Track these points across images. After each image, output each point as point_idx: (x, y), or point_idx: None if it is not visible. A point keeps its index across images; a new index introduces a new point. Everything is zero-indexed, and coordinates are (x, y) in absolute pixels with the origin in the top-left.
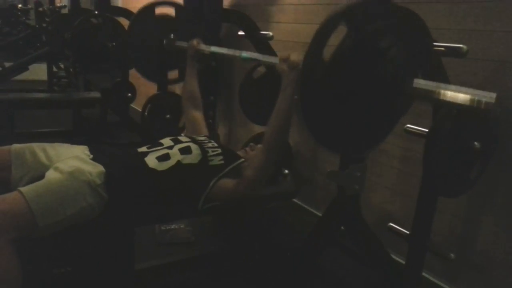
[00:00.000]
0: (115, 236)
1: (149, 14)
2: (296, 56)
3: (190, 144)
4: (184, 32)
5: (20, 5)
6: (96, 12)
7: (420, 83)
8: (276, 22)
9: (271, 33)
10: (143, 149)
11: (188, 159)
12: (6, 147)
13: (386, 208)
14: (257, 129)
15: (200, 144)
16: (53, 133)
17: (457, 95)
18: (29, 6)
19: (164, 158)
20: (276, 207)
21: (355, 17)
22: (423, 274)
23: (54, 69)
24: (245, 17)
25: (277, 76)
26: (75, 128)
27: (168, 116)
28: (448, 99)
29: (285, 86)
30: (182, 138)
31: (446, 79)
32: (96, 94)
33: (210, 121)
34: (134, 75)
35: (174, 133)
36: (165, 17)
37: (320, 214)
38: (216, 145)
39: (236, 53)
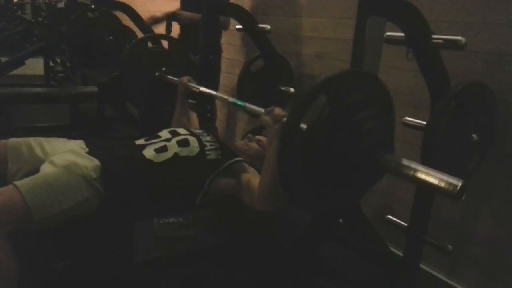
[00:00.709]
0: (114, 230)
1: (143, 47)
2: (280, 110)
3: (188, 136)
4: (176, 67)
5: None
6: (93, 6)
7: (390, 158)
8: (274, 16)
9: (269, 26)
10: (141, 141)
11: (185, 152)
12: (2, 141)
13: (384, 200)
14: (255, 122)
15: (198, 137)
16: (50, 128)
17: (425, 177)
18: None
19: (161, 150)
20: None
21: (334, 89)
22: (421, 266)
23: (51, 63)
24: (242, 10)
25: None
26: (72, 122)
27: None
28: (416, 178)
29: (271, 140)
30: (180, 130)
31: (446, 76)
32: (93, 89)
33: (208, 114)
34: None
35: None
36: (158, 50)
37: None
38: (214, 139)
39: (225, 96)
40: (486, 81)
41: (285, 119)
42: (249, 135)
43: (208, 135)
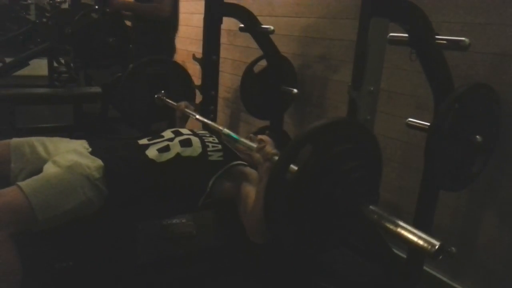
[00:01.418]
0: (117, 230)
1: (141, 71)
2: (271, 148)
3: (191, 137)
4: (174, 91)
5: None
6: (97, 7)
7: (373, 210)
8: (277, 16)
9: (272, 27)
10: (144, 141)
11: (187, 152)
12: (5, 141)
13: (387, 201)
14: (258, 123)
15: (201, 137)
16: (54, 128)
17: (406, 235)
18: (29, 1)
19: (164, 149)
20: None
21: (320, 139)
22: (425, 268)
23: (55, 64)
24: (245, 11)
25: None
26: (76, 123)
27: None
28: (396, 233)
29: (261, 177)
30: (183, 130)
31: (449, 77)
32: (97, 89)
33: (211, 115)
34: None
35: None
36: (157, 73)
37: None
38: (217, 140)
39: (220, 127)
40: (489, 82)
41: (276, 157)
42: (251, 135)
43: (211, 136)
